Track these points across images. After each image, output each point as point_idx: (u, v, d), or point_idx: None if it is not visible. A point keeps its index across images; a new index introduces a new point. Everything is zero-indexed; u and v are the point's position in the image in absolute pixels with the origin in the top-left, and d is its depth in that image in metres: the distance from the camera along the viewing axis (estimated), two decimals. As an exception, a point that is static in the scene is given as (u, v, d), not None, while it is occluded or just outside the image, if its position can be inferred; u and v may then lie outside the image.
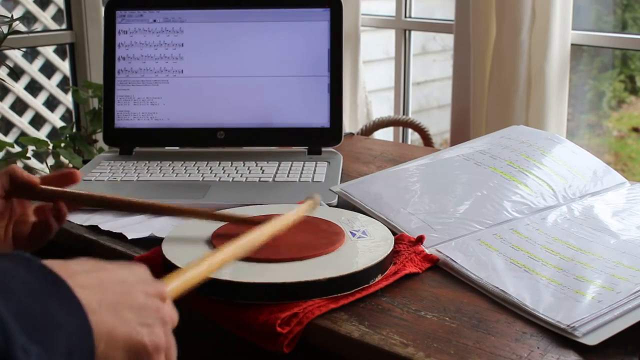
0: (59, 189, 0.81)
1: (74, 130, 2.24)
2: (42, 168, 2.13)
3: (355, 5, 2.50)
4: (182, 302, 0.61)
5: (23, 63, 2.38)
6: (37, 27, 2.37)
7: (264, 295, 0.74)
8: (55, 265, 0.48)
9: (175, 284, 0.57)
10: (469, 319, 0.72)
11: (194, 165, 1.17)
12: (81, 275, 0.49)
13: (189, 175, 1.13)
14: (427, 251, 0.84)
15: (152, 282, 0.54)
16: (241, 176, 1.12)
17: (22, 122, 2.40)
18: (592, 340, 0.66)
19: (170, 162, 1.19)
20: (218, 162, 1.18)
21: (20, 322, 0.42)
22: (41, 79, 2.44)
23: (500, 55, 1.98)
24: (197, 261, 0.62)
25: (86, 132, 1.99)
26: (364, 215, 0.92)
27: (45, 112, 2.46)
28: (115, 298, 0.49)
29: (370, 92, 2.83)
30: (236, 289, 0.74)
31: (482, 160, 1.04)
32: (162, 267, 0.82)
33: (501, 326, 0.70)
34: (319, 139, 1.24)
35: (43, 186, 0.80)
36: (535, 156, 1.05)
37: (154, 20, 1.26)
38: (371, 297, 0.76)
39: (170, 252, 0.81)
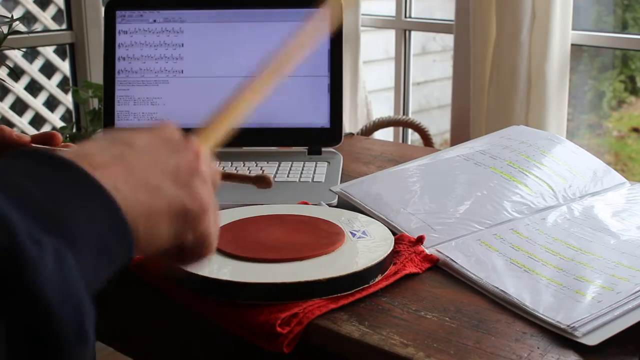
0: (51, 147, 0.77)
1: (74, 130, 2.24)
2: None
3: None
4: (181, 302, 0.62)
5: (23, 63, 2.38)
6: (37, 27, 2.37)
7: (264, 295, 0.74)
8: (70, 153, 0.42)
9: (206, 136, 0.52)
10: (469, 319, 0.72)
11: (194, 166, 1.17)
12: (98, 155, 0.43)
13: (189, 176, 1.13)
14: (427, 251, 0.84)
15: (180, 139, 0.49)
16: (241, 176, 1.12)
17: (22, 122, 2.40)
18: (592, 340, 0.66)
19: (170, 162, 1.19)
20: (218, 162, 1.18)
21: (25, 213, 0.36)
22: (41, 79, 2.44)
23: (500, 55, 1.98)
24: (223, 109, 0.57)
25: (86, 132, 1.99)
26: (364, 216, 0.92)
27: (45, 112, 2.46)
28: (142, 170, 0.44)
29: (370, 92, 2.83)
30: (236, 289, 0.74)
31: (482, 160, 1.04)
32: (162, 267, 0.82)
33: (501, 326, 0.70)
34: (319, 139, 1.24)
35: (35, 144, 0.76)
36: (535, 156, 1.05)
37: (154, 21, 1.26)
38: (371, 297, 0.76)
39: (170, 252, 0.81)
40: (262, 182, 0.67)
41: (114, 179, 0.42)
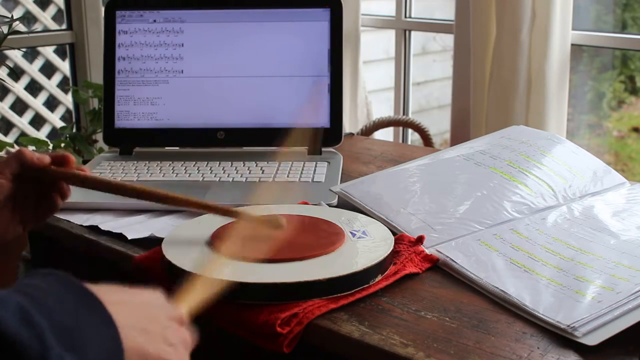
0: (69, 171, 0.81)
1: (74, 130, 2.24)
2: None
3: (355, 5, 2.50)
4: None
5: (23, 63, 2.38)
6: (37, 27, 2.36)
7: (264, 295, 0.74)
8: (87, 284, 0.50)
9: (188, 305, 0.60)
10: (469, 319, 0.72)
11: (194, 166, 1.17)
12: (109, 294, 0.51)
13: (189, 176, 1.13)
14: (427, 251, 0.84)
15: (170, 306, 0.57)
16: (241, 176, 1.12)
17: (22, 122, 2.40)
18: (592, 340, 0.66)
19: (170, 162, 1.19)
20: (218, 162, 1.18)
21: (56, 334, 0.43)
22: (41, 79, 2.44)
23: (500, 55, 1.98)
24: (203, 274, 0.65)
25: (86, 132, 1.98)
26: (364, 216, 0.92)
27: (45, 112, 2.46)
28: (143, 318, 0.52)
29: (370, 92, 2.82)
30: (236, 289, 0.74)
31: (482, 160, 1.04)
32: (161, 267, 0.82)
33: (501, 326, 0.70)
34: (319, 139, 1.24)
35: (53, 167, 0.81)
36: (535, 156, 1.05)
37: (154, 21, 1.26)
38: (371, 297, 0.76)
39: (170, 252, 0.81)
40: (274, 225, 0.78)
41: (120, 316, 0.49)
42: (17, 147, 0.83)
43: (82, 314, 0.46)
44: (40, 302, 0.45)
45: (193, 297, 0.62)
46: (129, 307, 0.52)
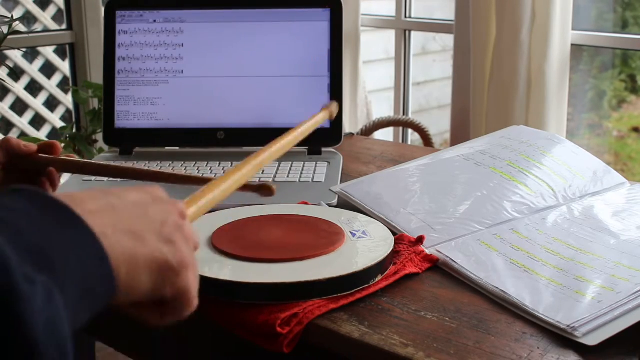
0: (59, 157, 0.79)
1: (74, 130, 2.24)
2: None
3: (355, 5, 2.50)
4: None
5: (23, 63, 2.38)
6: (37, 27, 2.37)
7: (264, 295, 0.74)
8: (61, 195, 0.44)
9: (194, 209, 0.55)
10: (469, 319, 0.72)
11: (194, 166, 1.17)
12: (90, 202, 0.45)
13: (189, 176, 1.13)
14: (427, 251, 0.84)
15: (169, 200, 0.51)
16: (241, 176, 1.12)
17: (22, 122, 2.40)
18: (592, 340, 0.66)
19: (170, 162, 1.19)
20: (218, 162, 1.18)
21: (20, 252, 0.38)
22: (41, 79, 2.44)
23: (500, 55, 1.98)
24: (214, 183, 0.60)
25: (86, 132, 1.99)
26: (364, 216, 0.92)
27: (45, 112, 2.46)
28: (131, 220, 0.46)
29: (370, 92, 2.83)
30: (236, 289, 0.74)
31: (482, 160, 1.04)
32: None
33: (501, 326, 0.70)
34: (319, 139, 1.24)
35: (42, 155, 0.78)
36: (535, 156, 1.05)
37: (154, 21, 1.26)
38: (371, 297, 0.76)
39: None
40: (265, 190, 0.69)
41: (102, 225, 0.44)
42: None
43: (54, 230, 0.41)
44: (4, 222, 0.39)
45: (199, 203, 0.56)
46: (114, 211, 0.46)
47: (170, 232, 0.48)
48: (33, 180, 0.80)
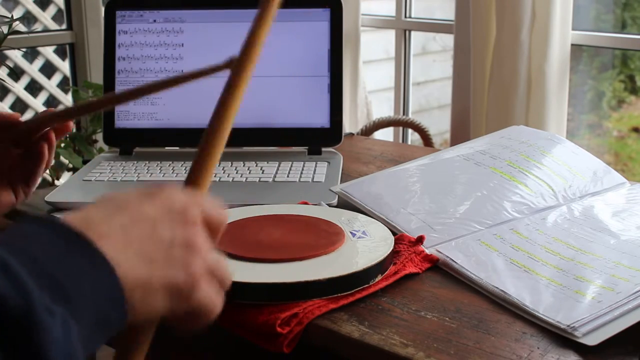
0: (43, 114, 0.77)
1: (74, 130, 2.24)
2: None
3: (355, 5, 2.50)
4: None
5: (23, 63, 2.38)
6: (37, 27, 2.37)
7: (264, 295, 0.74)
8: (76, 220, 0.45)
9: (198, 183, 0.55)
10: (469, 319, 0.72)
11: (194, 166, 1.17)
12: (102, 224, 0.45)
13: (189, 176, 1.13)
14: (427, 251, 0.84)
15: (181, 208, 0.50)
16: (241, 176, 1.12)
17: (22, 122, 2.39)
18: (592, 340, 0.66)
19: (170, 162, 1.19)
20: (218, 162, 1.18)
21: (41, 284, 0.39)
22: (41, 79, 2.44)
23: (500, 55, 1.98)
24: (203, 142, 0.59)
25: (86, 132, 1.99)
26: (364, 216, 0.92)
27: (45, 112, 2.45)
28: (142, 242, 0.46)
29: (370, 92, 2.83)
30: (236, 289, 0.74)
31: (482, 160, 1.04)
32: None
33: (501, 326, 0.70)
34: (319, 139, 1.24)
35: (25, 120, 0.76)
36: (535, 156, 1.05)
37: (154, 21, 1.26)
38: (371, 297, 0.76)
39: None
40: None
41: (115, 251, 0.44)
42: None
43: (71, 259, 0.42)
44: (24, 251, 0.40)
45: (201, 173, 0.56)
46: (124, 232, 0.46)
47: (179, 252, 0.48)
48: (26, 149, 0.78)
